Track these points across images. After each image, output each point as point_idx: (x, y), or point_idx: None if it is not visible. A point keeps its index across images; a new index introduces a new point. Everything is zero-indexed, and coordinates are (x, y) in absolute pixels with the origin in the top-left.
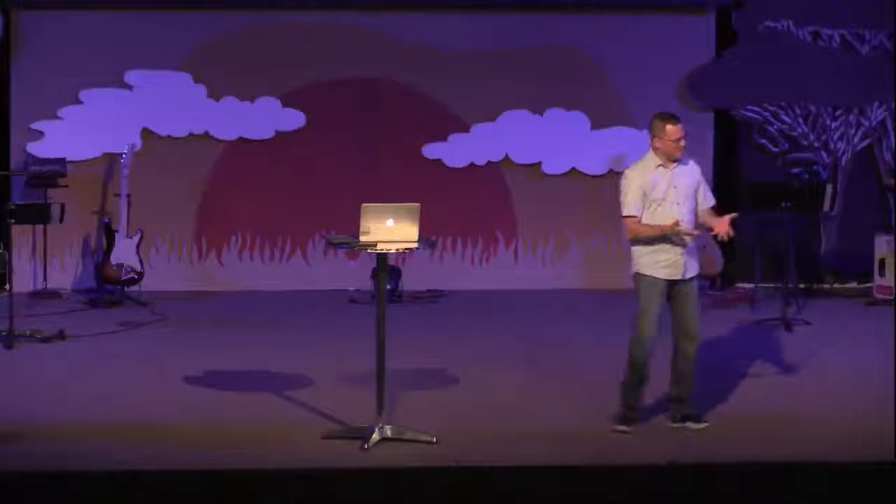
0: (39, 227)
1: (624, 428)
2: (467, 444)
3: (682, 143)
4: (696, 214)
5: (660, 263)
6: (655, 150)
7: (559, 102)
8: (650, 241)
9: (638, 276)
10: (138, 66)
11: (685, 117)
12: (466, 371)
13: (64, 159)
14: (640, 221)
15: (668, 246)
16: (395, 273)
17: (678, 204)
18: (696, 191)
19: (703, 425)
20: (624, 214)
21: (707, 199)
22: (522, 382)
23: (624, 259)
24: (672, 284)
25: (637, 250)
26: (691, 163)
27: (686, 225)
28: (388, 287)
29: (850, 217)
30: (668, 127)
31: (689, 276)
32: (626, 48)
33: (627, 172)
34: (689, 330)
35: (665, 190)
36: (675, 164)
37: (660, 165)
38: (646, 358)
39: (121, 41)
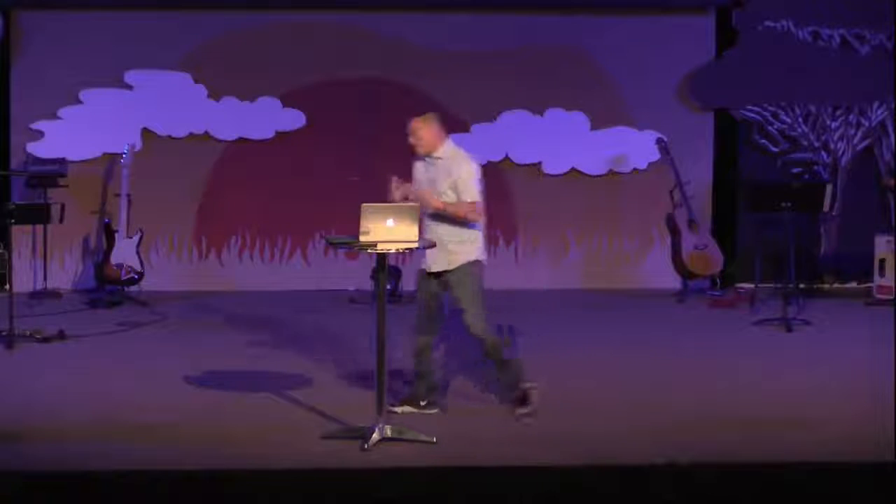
0: (39, 227)
1: (400, 408)
2: (467, 444)
3: (411, 139)
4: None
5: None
6: None
7: (559, 102)
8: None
9: None
10: (138, 66)
11: (685, 117)
12: (466, 371)
13: (64, 159)
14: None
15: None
16: (395, 273)
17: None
18: (453, 189)
19: (401, 409)
20: None
21: (461, 197)
22: None
23: (624, 259)
24: (434, 275)
25: None
26: (457, 158)
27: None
28: (388, 287)
29: (850, 217)
30: None
31: (434, 269)
32: (626, 48)
33: None
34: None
35: (422, 181)
36: (439, 159)
37: (421, 158)
38: (420, 345)
39: (121, 41)
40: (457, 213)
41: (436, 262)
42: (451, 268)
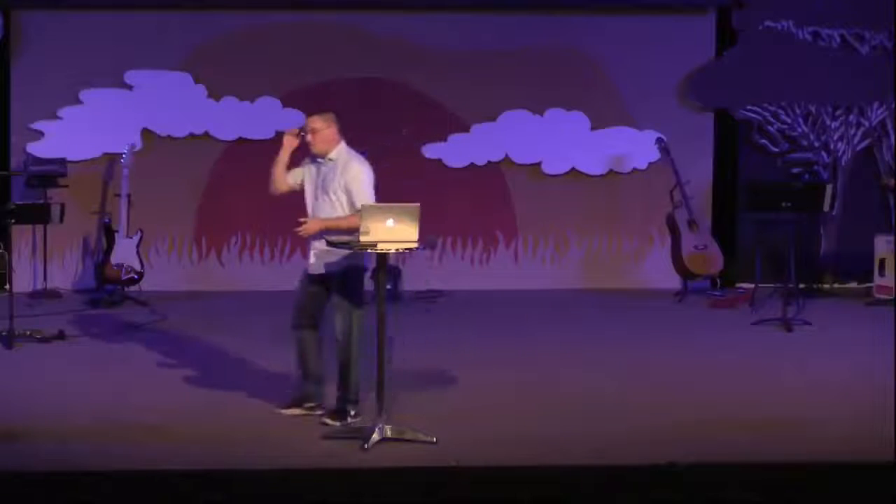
0: (39, 227)
1: (287, 411)
2: (467, 444)
3: (308, 137)
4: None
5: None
6: None
7: (559, 102)
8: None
9: None
10: (138, 66)
11: (685, 117)
12: (466, 371)
13: (64, 159)
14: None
15: (311, 242)
16: (395, 273)
17: (317, 200)
18: (345, 192)
19: (289, 411)
20: None
21: (353, 199)
22: (522, 382)
23: (623, 259)
24: (316, 277)
25: None
26: (351, 161)
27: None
28: (388, 287)
29: (850, 217)
30: None
31: (312, 272)
32: (627, 48)
33: None
34: None
35: (311, 182)
36: (332, 161)
37: (313, 159)
38: (299, 347)
39: (121, 41)
40: (339, 227)
41: (319, 265)
42: (333, 271)
